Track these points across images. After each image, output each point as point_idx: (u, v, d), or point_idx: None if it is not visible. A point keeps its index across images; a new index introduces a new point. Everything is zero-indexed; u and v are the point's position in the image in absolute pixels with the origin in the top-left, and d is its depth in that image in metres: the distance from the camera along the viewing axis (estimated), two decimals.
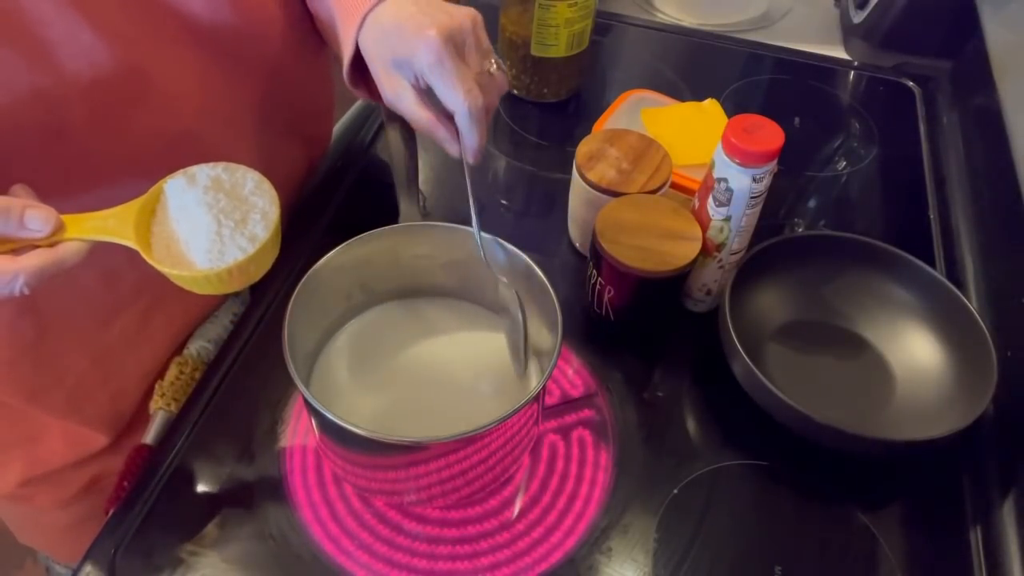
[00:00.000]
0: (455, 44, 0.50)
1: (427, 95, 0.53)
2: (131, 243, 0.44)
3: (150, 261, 0.44)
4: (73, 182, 0.52)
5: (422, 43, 0.49)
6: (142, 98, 0.53)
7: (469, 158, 0.53)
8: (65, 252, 0.43)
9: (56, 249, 0.43)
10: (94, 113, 0.51)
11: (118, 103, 0.52)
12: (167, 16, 0.54)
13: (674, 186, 0.70)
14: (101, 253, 0.45)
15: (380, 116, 0.88)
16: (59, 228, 0.43)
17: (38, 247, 0.43)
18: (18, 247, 0.43)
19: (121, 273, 0.45)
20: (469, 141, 0.52)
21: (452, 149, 0.53)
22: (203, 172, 0.47)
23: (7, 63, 0.46)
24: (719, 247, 0.62)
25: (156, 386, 0.65)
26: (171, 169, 0.47)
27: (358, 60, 0.56)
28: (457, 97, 0.50)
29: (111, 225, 0.45)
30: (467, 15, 0.51)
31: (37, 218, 0.42)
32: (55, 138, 0.50)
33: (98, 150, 0.52)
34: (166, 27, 0.54)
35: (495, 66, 0.53)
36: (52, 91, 0.48)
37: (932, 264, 0.71)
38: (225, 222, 0.45)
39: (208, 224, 0.45)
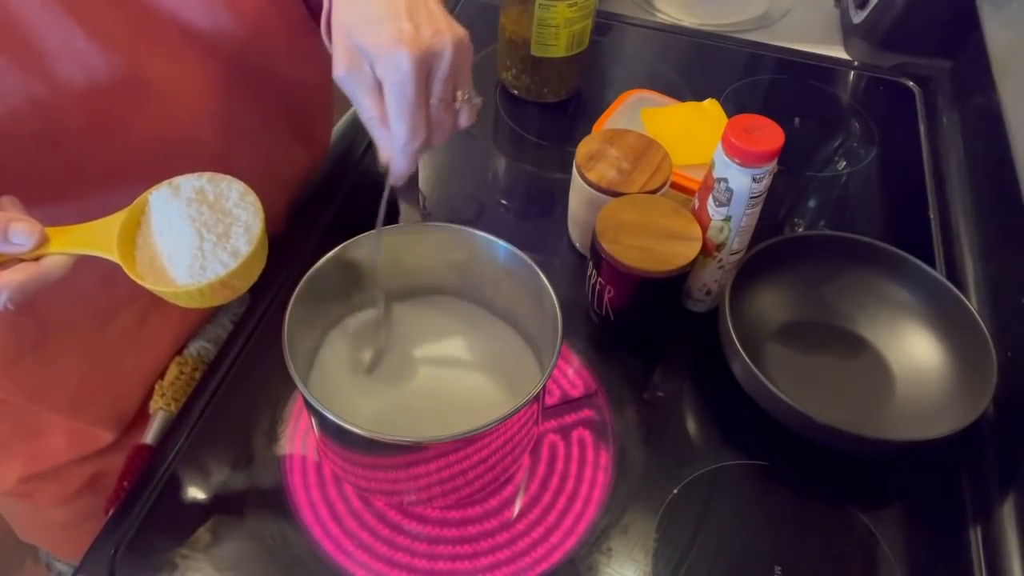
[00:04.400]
0: (426, 70, 0.47)
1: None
2: (114, 257, 0.44)
3: (132, 276, 0.44)
4: (70, 189, 0.52)
5: (391, 57, 0.46)
6: (139, 104, 0.53)
7: (392, 179, 0.51)
8: (49, 267, 0.43)
9: (40, 264, 0.43)
10: (90, 120, 0.50)
11: (115, 109, 0.52)
12: (164, 22, 0.54)
13: (674, 186, 0.70)
14: None
15: None
16: (43, 241, 0.43)
17: (22, 261, 0.43)
18: (2, 261, 0.42)
19: (118, 274, 0.45)
20: (395, 166, 0.50)
21: (383, 156, 0.50)
22: (187, 183, 0.46)
23: (0, 72, 0.46)
24: (719, 247, 0.62)
25: (156, 386, 0.65)
26: (169, 174, 0.47)
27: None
28: (400, 127, 0.47)
29: (95, 238, 0.44)
30: (452, 40, 0.47)
31: (21, 232, 0.42)
32: (51, 146, 0.49)
33: (95, 157, 0.52)
34: (163, 33, 0.54)
35: (463, 99, 0.50)
36: (47, 99, 0.48)
37: (932, 264, 0.71)
38: (207, 236, 0.45)
39: (190, 238, 0.45)
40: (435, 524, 0.56)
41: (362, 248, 0.56)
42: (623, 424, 0.62)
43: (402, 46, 0.45)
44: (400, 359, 0.60)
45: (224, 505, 0.57)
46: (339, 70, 0.49)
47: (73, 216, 0.45)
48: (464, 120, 0.51)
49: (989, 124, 0.78)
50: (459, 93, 0.50)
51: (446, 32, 0.47)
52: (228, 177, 0.47)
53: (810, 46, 1.01)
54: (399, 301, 0.63)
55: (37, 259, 0.43)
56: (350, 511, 0.57)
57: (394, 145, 0.49)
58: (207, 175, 0.47)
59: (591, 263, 0.64)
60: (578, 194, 0.69)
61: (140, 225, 0.46)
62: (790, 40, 1.01)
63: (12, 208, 0.44)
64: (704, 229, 0.62)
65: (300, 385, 0.48)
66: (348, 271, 0.58)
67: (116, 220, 0.45)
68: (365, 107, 0.49)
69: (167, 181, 0.47)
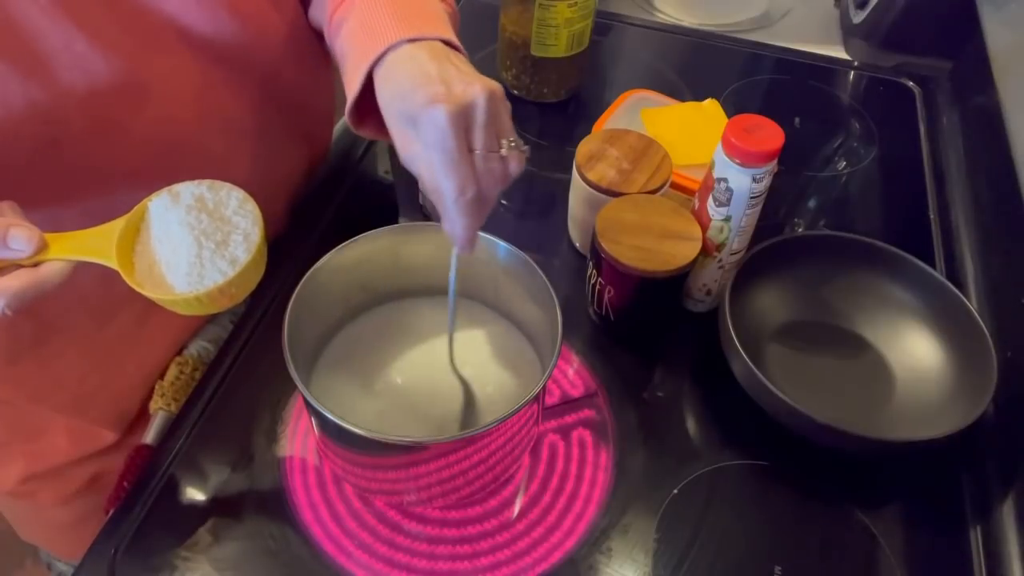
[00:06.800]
0: (464, 123, 0.47)
1: None
2: (113, 264, 0.44)
3: (131, 283, 0.44)
4: (71, 192, 0.52)
5: (429, 118, 0.46)
6: (140, 107, 0.53)
7: (455, 246, 0.50)
8: (47, 273, 0.43)
9: (38, 270, 0.42)
10: (91, 123, 0.50)
11: (115, 113, 0.52)
12: (164, 25, 0.54)
13: (674, 186, 0.70)
14: None
15: None
16: (42, 248, 0.43)
17: (21, 267, 0.42)
18: (0, 267, 0.42)
19: (117, 275, 0.45)
20: (453, 229, 0.48)
21: (446, 227, 0.50)
22: (187, 190, 0.46)
23: (1, 77, 0.46)
24: (719, 247, 0.62)
25: (156, 386, 0.65)
26: (170, 176, 0.47)
27: (364, 102, 0.53)
28: (448, 184, 0.47)
29: (94, 245, 0.44)
30: (483, 89, 0.47)
31: (20, 238, 0.42)
32: (52, 149, 0.49)
33: (96, 160, 0.52)
34: (163, 36, 0.54)
35: (508, 147, 0.49)
36: (48, 103, 0.48)
37: (932, 264, 0.71)
38: (206, 244, 0.45)
39: (189, 246, 0.44)
40: (435, 524, 0.56)
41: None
42: (623, 424, 0.62)
43: (436, 105, 0.46)
44: (400, 359, 0.60)
45: (224, 505, 0.57)
46: (401, 154, 0.50)
47: (74, 219, 0.45)
48: (514, 168, 0.50)
49: (989, 124, 0.78)
50: (503, 141, 0.49)
51: (476, 83, 0.48)
52: (227, 184, 0.47)
53: (810, 46, 1.01)
54: (399, 301, 0.63)
55: (36, 265, 0.43)
56: (350, 511, 0.57)
57: (446, 204, 0.48)
58: (207, 182, 0.47)
59: (591, 263, 0.64)
60: (578, 194, 0.69)
61: (139, 232, 0.46)
62: (790, 40, 1.01)
63: (11, 214, 0.44)
64: (704, 229, 0.62)
65: (300, 385, 0.48)
66: (348, 271, 0.58)
67: (115, 227, 0.45)
68: (424, 180, 0.49)
69: (167, 188, 0.46)
